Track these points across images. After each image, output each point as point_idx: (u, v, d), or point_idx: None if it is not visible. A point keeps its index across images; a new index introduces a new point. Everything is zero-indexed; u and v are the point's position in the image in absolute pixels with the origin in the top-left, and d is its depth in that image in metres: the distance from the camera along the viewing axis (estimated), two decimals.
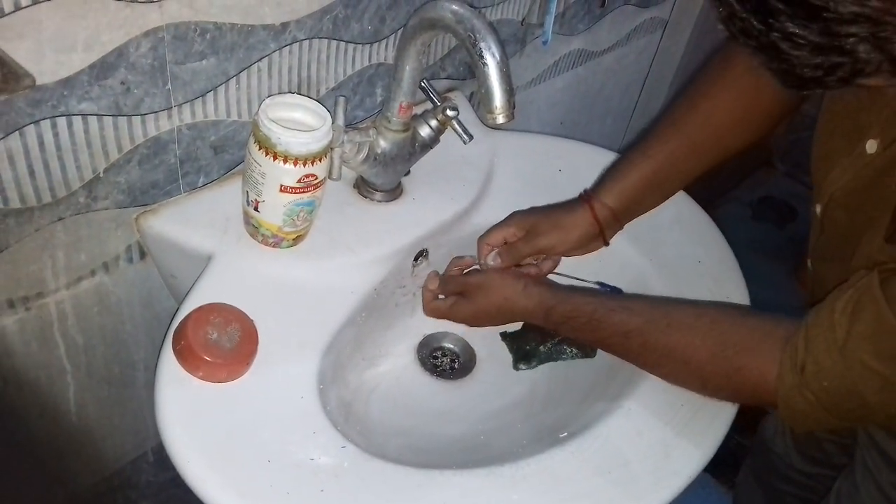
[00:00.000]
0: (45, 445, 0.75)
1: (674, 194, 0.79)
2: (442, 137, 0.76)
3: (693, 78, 0.78)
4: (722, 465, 0.65)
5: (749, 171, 2.27)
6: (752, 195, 2.20)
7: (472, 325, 0.77)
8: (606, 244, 0.78)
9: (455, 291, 0.76)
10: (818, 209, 0.68)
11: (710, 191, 1.93)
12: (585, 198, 0.77)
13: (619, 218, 0.76)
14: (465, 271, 0.79)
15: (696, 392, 0.64)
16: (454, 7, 0.61)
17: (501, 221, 0.78)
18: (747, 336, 0.60)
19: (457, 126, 0.75)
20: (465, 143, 0.76)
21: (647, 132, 0.78)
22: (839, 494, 0.79)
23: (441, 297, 0.77)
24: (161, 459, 0.90)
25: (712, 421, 0.65)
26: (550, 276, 0.80)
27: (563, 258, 0.79)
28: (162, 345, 0.60)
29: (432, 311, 0.77)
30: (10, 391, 0.68)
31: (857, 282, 0.55)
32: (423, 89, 0.74)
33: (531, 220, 0.77)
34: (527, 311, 0.72)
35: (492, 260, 0.77)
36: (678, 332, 0.63)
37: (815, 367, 0.54)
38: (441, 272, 0.80)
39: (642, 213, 0.79)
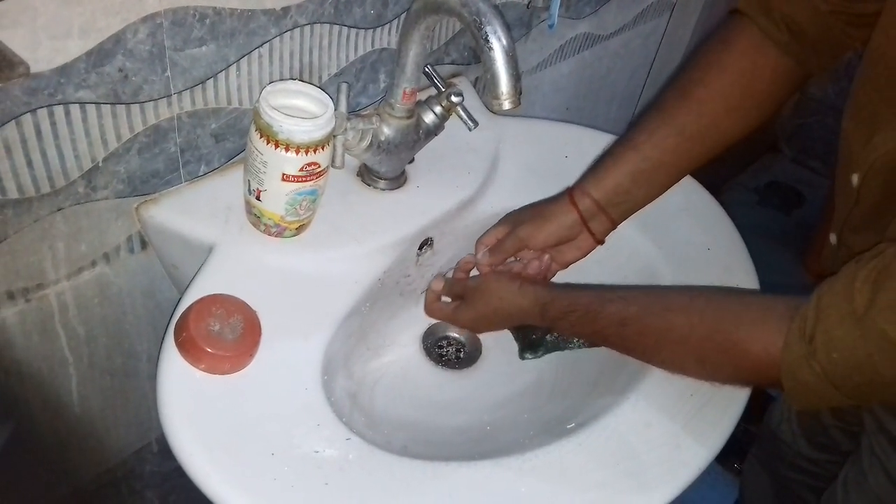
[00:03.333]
0: (47, 437, 0.74)
1: (669, 187, 0.75)
2: (446, 124, 0.75)
3: (685, 63, 0.74)
4: (729, 452, 0.64)
5: (755, 156, 2.26)
6: (758, 181, 2.18)
7: (474, 331, 0.76)
8: (599, 242, 0.75)
9: (458, 294, 0.75)
10: (855, 178, 0.64)
11: (715, 176, 1.91)
12: (569, 188, 0.75)
13: (605, 209, 0.73)
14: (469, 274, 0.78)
15: (696, 376, 0.63)
16: None
17: (496, 223, 0.77)
18: (748, 309, 0.58)
19: (461, 112, 0.74)
20: (469, 129, 0.74)
21: (635, 121, 0.74)
22: (846, 482, 0.78)
23: (446, 299, 0.77)
24: (165, 449, 0.89)
25: (723, 411, 0.64)
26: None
27: (569, 267, 0.76)
28: (164, 336, 0.59)
29: (434, 313, 0.76)
30: (11, 383, 0.67)
31: (883, 251, 0.52)
32: (427, 75, 0.73)
33: (516, 214, 0.77)
34: (523, 309, 0.70)
35: (482, 257, 0.76)
36: (675, 314, 0.61)
37: (826, 337, 0.52)
38: (445, 262, 0.79)
39: (635, 207, 0.75)
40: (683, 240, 0.81)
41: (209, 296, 0.60)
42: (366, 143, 0.70)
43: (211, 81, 0.64)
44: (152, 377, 0.69)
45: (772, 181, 2.19)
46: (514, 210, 0.78)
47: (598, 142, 0.88)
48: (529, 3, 0.94)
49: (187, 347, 0.57)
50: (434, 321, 0.80)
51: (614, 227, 0.75)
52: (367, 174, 0.76)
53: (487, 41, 0.58)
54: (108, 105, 0.58)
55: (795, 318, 0.54)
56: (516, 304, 0.70)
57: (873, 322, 0.50)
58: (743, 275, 0.78)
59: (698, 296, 0.63)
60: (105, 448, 0.82)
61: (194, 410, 0.55)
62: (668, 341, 0.61)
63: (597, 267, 0.78)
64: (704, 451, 0.61)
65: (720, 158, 0.74)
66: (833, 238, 0.72)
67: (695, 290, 0.66)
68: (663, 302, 0.63)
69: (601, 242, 0.75)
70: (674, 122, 0.72)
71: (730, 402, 0.65)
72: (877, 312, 0.50)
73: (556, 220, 0.73)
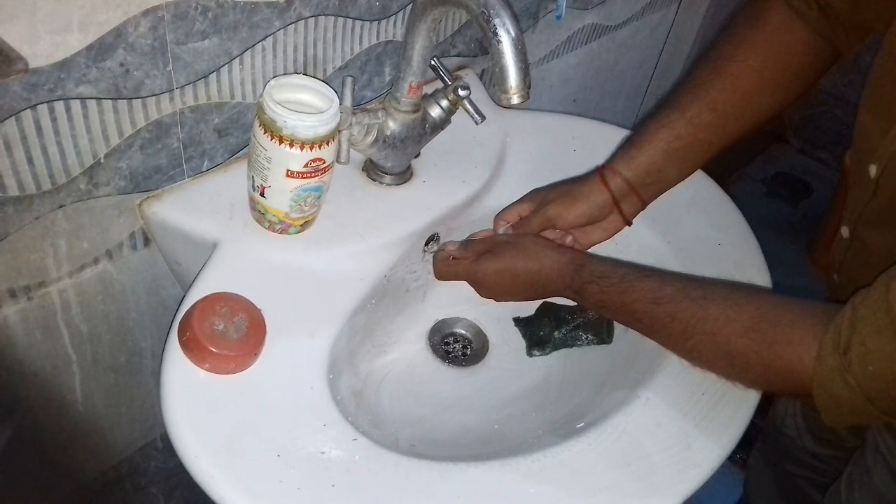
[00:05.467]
0: (51, 435, 0.74)
1: (701, 166, 0.74)
2: (453, 118, 0.73)
3: (716, 39, 0.72)
4: (735, 446, 0.62)
5: (762, 146, 2.24)
6: (766, 171, 2.17)
7: (490, 289, 0.71)
8: (628, 223, 0.74)
9: (480, 252, 0.71)
10: (873, 170, 0.63)
11: (722, 167, 1.90)
12: (598, 168, 0.74)
13: (636, 189, 0.72)
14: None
15: (721, 372, 0.60)
16: None
17: (519, 199, 0.76)
18: (786, 311, 0.56)
19: (468, 106, 0.72)
20: (476, 123, 0.73)
21: (667, 99, 0.73)
22: (850, 480, 0.77)
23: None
24: (170, 446, 0.87)
25: (734, 410, 0.63)
26: None
27: (593, 248, 0.75)
28: (168, 335, 0.58)
29: (448, 269, 0.72)
30: (14, 382, 0.67)
31: None
32: (433, 68, 0.72)
33: (544, 192, 0.75)
34: (557, 265, 0.67)
35: (503, 232, 0.74)
36: (712, 303, 0.59)
37: (862, 350, 0.50)
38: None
39: (665, 187, 0.73)
40: (693, 235, 0.80)
41: (213, 294, 0.59)
42: (371, 137, 0.68)
43: (214, 76, 0.63)
44: (156, 374, 0.69)
45: (779, 172, 2.17)
46: (540, 188, 0.76)
47: (606, 134, 0.87)
48: None
49: (191, 347, 0.56)
50: (441, 318, 0.79)
51: (644, 208, 0.74)
52: (372, 169, 0.75)
53: (496, 34, 0.56)
54: (110, 100, 0.57)
55: (829, 327, 0.52)
56: (550, 261, 0.67)
57: None
58: (754, 271, 0.77)
59: (739, 290, 0.61)
60: (109, 445, 0.82)
61: (198, 411, 0.54)
62: (699, 330, 0.58)
63: None
64: (716, 452, 0.60)
65: (727, 149, 0.73)
66: (845, 231, 0.71)
67: (737, 284, 0.63)
68: (702, 290, 0.60)
69: (629, 224, 0.74)
70: (707, 98, 0.70)
71: (741, 401, 0.64)
72: None
73: (587, 201, 0.72)
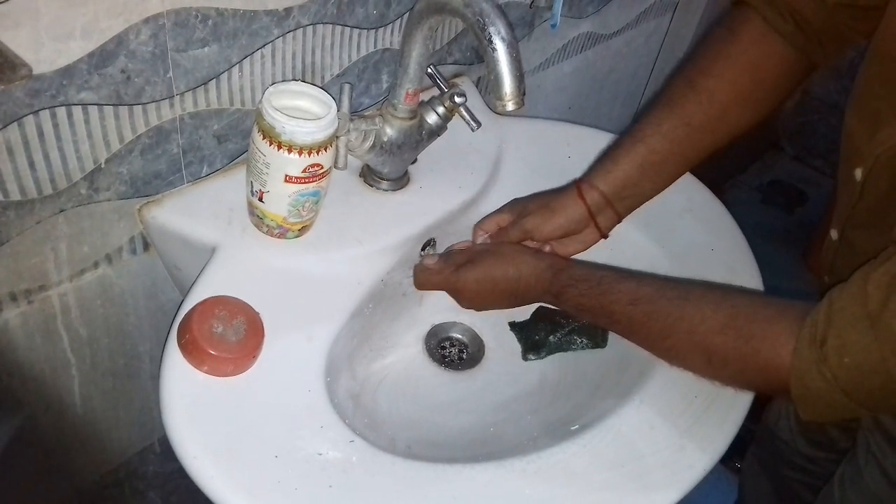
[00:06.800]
0: (50, 438, 0.74)
1: (676, 180, 0.74)
2: (449, 124, 0.74)
3: (692, 52, 0.74)
4: (731, 451, 0.63)
5: (757, 154, 2.25)
6: (761, 179, 2.18)
7: (471, 299, 0.71)
8: (604, 236, 0.74)
9: (460, 262, 0.71)
10: (859, 173, 0.64)
11: (718, 174, 1.91)
12: (576, 181, 0.74)
13: (612, 203, 0.72)
14: None
15: (699, 371, 0.60)
16: None
17: (498, 209, 0.76)
18: (764, 308, 0.56)
19: (464, 113, 0.73)
20: (472, 130, 0.74)
21: (642, 113, 0.74)
22: (842, 480, 0.77)
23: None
24: (168, 450, 0.88)
25: (726, 413, 0.64)
26: None
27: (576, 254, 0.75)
28: (167, 338, 0.59)
29: (428, 280, 0.72)
30: (14, 385, 0.67)
31: (895, 254, 0.51)
32: (429, 75, 0.73)
33: (523, 203, 0.75)
34: (536, 270, 0.68)
35: (482, 243, 0.75)
36: (688, 303, 0.59)
37: (838, 342, 0.51)
38: None
39: (641, 200, 0.74)
40: (687, 240, 0.81)
41: (212, 297, 0.60)
42: (368, 143, 0.69)
43: (213, 82, 0.64)
44: (155, 378, 0.70)
45: (774, 180, 2.18)
46: (519, 198, 0.77)
47: (601, 141, 0.87)
48: (532, 2, 0.94)
49: (190, 349, 0.57)
50: (437, 323, 0.80)
51: (619, 221, 0.74)
52: (369, 175, 0.76)
53: (491, 42, 0.57)
54: (111, 106, 0.58)
55: (806, 321, 0.53)
56: (528, 267, 0.68)
57: (887, 325, 0.49)
58: (747, 276, 0.78)
59: (716, 289, 0.61)
60: (107, 449, 0.82)
61: (197, 413, 0.55)
62: (676, 329, 0.59)
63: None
64: (708, 454, 0.61)
65: (722, 156, 0.74)
66: (834, 234, 0.72)
67: (713, 284, 0.64)
68: (679, 290, 0.61)
69: (606, 237, 0.75)
70: (682, 112, 0.71)
71: (734, 404, 0.64)
72: (891, 315, 0.49)
73: (564, 214, 0.72)
